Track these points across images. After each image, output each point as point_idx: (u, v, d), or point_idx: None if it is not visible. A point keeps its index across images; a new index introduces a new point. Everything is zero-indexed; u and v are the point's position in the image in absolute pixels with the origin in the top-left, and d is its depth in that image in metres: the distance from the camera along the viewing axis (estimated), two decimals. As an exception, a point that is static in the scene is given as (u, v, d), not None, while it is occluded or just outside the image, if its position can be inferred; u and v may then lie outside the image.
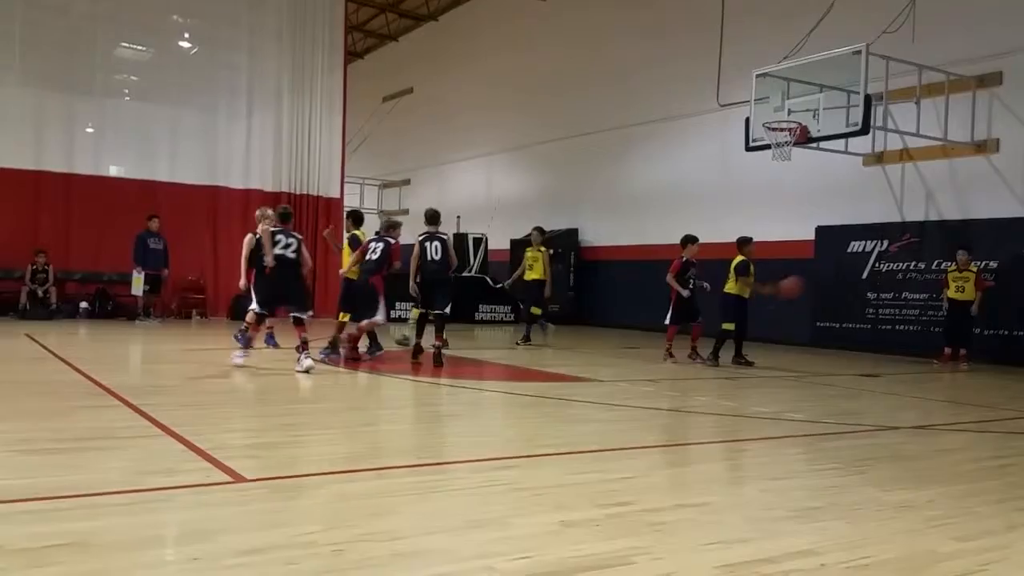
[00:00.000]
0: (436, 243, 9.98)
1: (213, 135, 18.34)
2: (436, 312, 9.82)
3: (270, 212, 10.06)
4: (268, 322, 10.46)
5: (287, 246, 8.84)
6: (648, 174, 18.89)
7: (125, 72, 18.37)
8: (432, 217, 10.27)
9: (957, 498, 4.15)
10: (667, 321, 11.20)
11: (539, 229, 13.80)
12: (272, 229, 8.93)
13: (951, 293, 12.11)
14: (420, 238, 10.12)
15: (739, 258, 10.91)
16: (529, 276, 13.31)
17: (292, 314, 8.80)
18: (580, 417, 6.61)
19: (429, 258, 9.92)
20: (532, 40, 22.42)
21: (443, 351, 9.72)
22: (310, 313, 9.31)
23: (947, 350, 12.19)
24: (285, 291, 8.90)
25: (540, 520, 3.47)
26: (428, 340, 9.87)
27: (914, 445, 5.83)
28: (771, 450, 5.40)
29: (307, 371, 8.31)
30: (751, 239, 11.14)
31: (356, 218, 11.01)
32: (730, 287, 10.92)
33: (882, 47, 12.41)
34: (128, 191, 17.02)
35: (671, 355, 11.08)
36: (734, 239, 11.16)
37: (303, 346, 8.50)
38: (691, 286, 10.93)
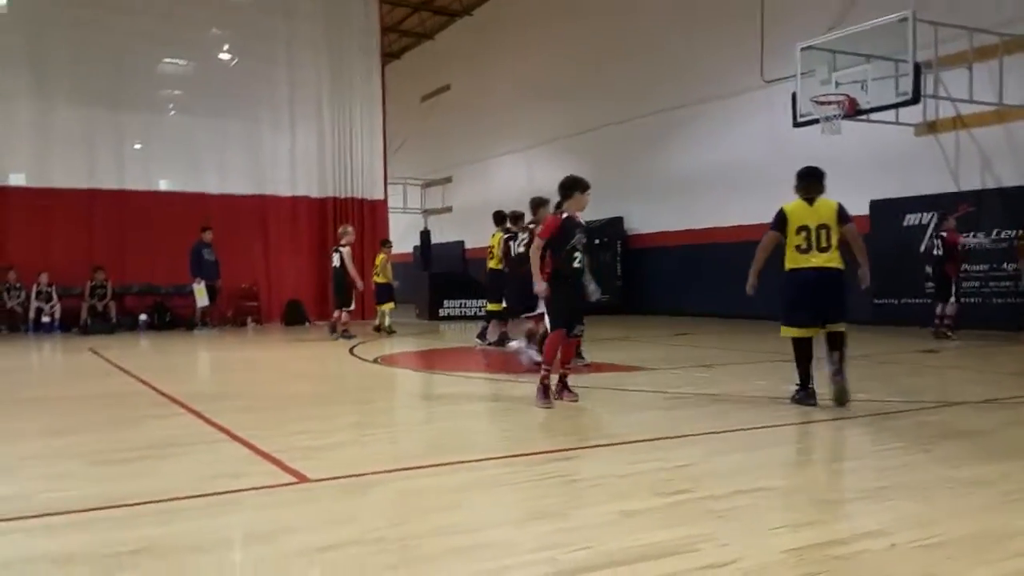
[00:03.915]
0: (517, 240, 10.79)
1: (258, 145, 18.68)
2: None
3: (350, 228, 14.01)
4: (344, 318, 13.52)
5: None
6: (694, 157, 18.64)
7: (169, 87, 18.76)
8: (512, 217, 10.89)
9: (1031, 472, 4.03)
10: (548, 327, 6.62)
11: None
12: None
13: None
14: (505, 236, 10.87)
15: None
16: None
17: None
18: (635, 406, 6.56)
19: (514, 255, 10.55)
20: (567, 30, 22.29)
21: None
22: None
23: None
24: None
25: (599, 510, 3.47)
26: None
27: (981, 420, 5.67)
28: (834, 432, 5.31)
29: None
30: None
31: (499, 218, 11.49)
32: None
33: (930, 12, 12.07)
34: (179, 204, 17.42)
35: (567, 390, 6.47)
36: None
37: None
38: (578, 263, 6.38)
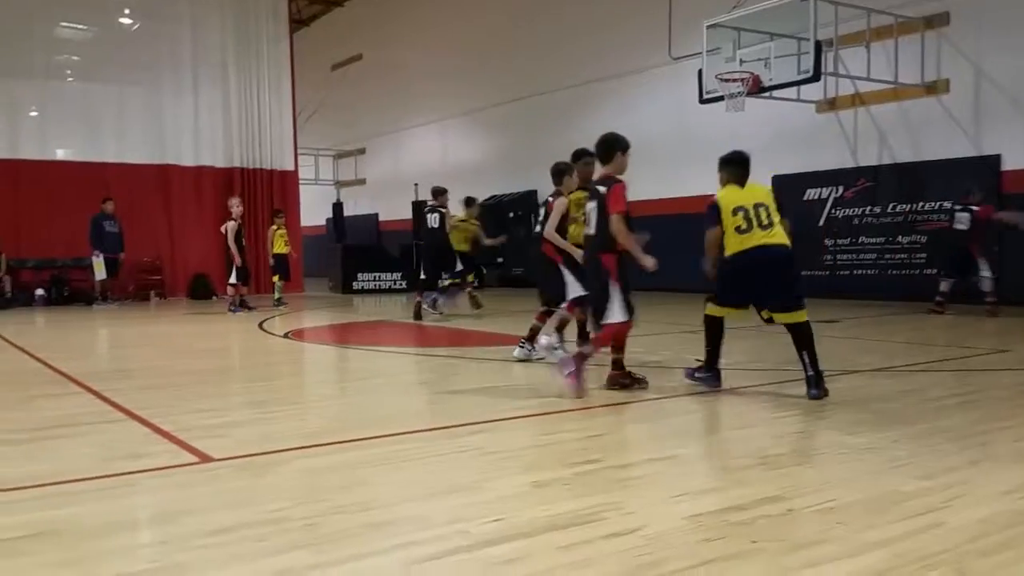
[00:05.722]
0: (436, 215, 11.49)
1: (159, 112, 17.99)
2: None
3: (234, 201, 13.62)
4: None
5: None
6: (604, 131, 18.77)
7: (66, 52, 17.88)
8: (434, 192, 11.77)
9: (919, 437, 4.23)
10: (616, 316, 5.59)
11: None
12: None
13: None
14: (425, 210, 11.73)
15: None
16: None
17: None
18: (546, 378, 6.62)
19: (429, 227, 11.47)
20: (479, 1, 22.09)
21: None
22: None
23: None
24: None
25: (511, 482, 3.50)
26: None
27: (875, 388, 5.94)
28: (736, 400, 5.47)
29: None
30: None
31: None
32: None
33: (830, -8, 12.43)
34: (77, 174, 16.69)
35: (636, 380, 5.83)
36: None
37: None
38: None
